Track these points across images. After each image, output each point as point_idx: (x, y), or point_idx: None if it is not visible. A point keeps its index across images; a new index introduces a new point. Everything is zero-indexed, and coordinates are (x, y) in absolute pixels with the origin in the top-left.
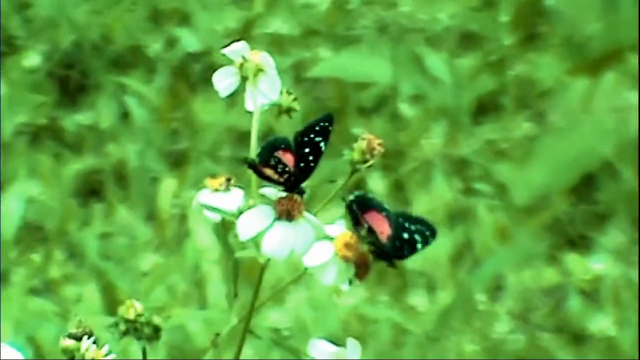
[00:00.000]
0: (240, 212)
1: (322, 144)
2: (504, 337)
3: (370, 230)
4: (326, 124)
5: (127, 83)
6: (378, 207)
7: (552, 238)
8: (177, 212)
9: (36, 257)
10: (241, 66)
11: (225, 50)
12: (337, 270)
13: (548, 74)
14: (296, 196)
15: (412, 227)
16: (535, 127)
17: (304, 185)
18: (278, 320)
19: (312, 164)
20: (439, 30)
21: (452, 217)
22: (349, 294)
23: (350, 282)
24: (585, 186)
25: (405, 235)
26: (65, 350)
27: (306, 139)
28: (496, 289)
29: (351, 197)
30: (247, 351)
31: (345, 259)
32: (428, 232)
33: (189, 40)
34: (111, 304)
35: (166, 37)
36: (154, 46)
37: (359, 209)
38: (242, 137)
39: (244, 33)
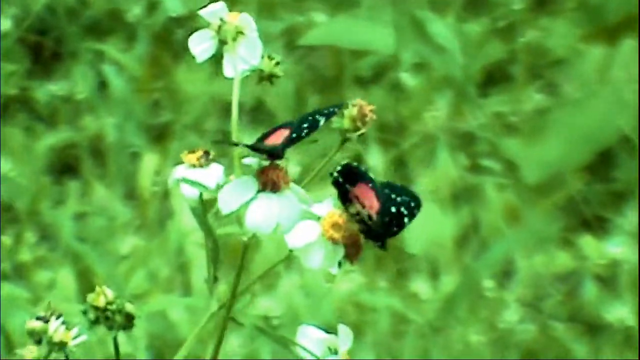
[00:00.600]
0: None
1: (321, 121)
2: (512, 327)
3: (362, 207)
4: (335, 108)
5: (105, 50)
6: (366, 179)
7: (565, 219)
8: (159, 191)
9: (6, 240)
10: (219, 29)
11: (202, 12)
12: (324, 253)
13: (561, 41)
14: (282, 166)
15: (398, 199)
16: (547, 98)
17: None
18: (268, 307)
19: (303, 134)
20: None
21: (457, 196)
22: (345, 280)
23: (340, 265)
24: (601, 163)
25: (393, 209)
26: (31, 333)
27: (310, 117)
28: (505, 275)
29: (337, 169)
30: (234, 342)
31: (333, 241)
32: (413, 204)
33: (172, 4)
34: (87, 290)
35: (147, 1)
36: (134, 10)
37: (348, 182)
38: (229, 109)
39: None
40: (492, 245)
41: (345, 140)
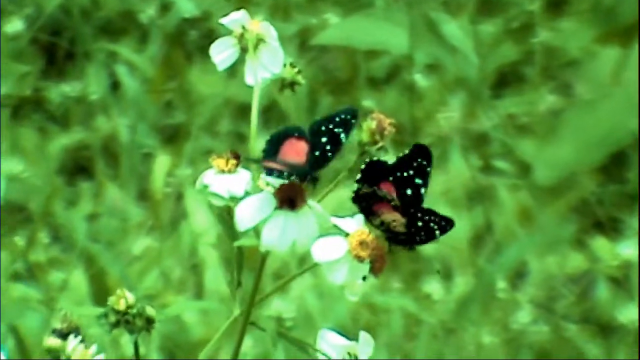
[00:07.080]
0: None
1: (342, 136)
2: (525, 328)
3: (388, 209)
4: (349, 116)
5: (118, 51)
6: (386, 174)
7: (578, 221)
8: (172, 192)
9: (19, 240)
10: (240, 37)
11: (224, 20)
12: (349, 269)
13: (575, 43)
14: (300, 183)
15: (410, 172)
16: (560, 100)
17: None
18: (281, 309)
19: (329, 154)
20: None
21: (470, 197)
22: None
23: (365, 278)
24: (614, 164)
25: (409, 191)
26: (49, 350)
27: (324, 128)
28: (518, 276)
29: (357, 178)
30: (247, 342)
31: (359, 259)
32: (426, 165)
33: (185, 5)
34: (99, 291)
35: (160, 1)
36: (148, 11)
37: (370, 183)
38: (242, 110)
39: None
40: (505, 246)
41: (363, 153)
